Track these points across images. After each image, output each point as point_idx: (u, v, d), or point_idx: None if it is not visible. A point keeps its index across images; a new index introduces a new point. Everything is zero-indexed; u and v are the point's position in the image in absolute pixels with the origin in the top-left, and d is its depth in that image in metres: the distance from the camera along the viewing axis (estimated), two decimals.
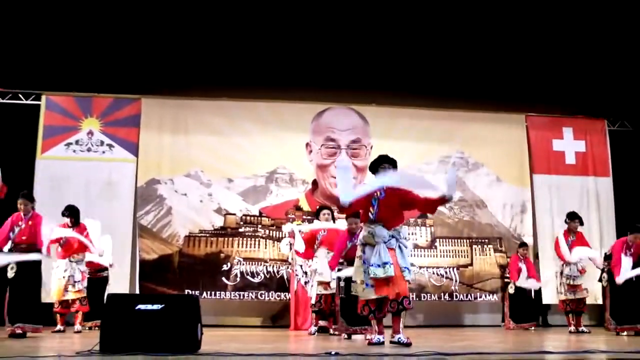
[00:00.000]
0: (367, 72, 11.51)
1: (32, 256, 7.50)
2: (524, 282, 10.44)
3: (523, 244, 10.92)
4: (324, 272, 8.29)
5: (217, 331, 8.40)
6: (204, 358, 4.32)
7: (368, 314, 6.03)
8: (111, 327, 4.73)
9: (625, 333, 8.33)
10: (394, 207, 6.05)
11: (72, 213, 8.82)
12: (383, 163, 6.15)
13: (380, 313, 5.99)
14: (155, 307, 4.75)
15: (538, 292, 10.85)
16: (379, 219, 6.00)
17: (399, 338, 5.82)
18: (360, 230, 7.36)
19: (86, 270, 9.05)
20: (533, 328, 10.27)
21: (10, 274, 7.40)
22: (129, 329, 4.66)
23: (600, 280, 9.29)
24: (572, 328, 9.23)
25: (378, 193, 6.01)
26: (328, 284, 8.28)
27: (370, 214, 6.03)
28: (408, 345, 5.70)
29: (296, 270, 9.96)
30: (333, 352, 4.70)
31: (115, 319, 4.76)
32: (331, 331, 8.48)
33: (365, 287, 5.93)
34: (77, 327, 8.85)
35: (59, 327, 8.74)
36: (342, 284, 7.55)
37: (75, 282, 8.80)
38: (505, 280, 11.03)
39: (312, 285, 8.72)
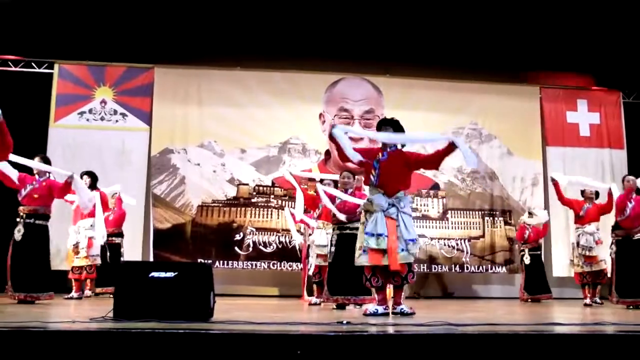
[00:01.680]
0: (381, 42, 11.44)
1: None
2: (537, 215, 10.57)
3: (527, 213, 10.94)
4: (322, 243, 8.07)
5: (229, 300, 8.45)
6: (217, 325, 4.34)
7: (364, 282, 5.90)
8: (125, 294, 4.76)
9: (631, 307, 8.25)
10: (396, 170, 5.76)
11: (90, 175, 8.89)
12: (384, 125, 5.88)
13: (378, 282, 5.81)
14: (169, 274, 4.76)
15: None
16: (380, 183, 5.74)
17: (402, 309, 5.71)
18: (354, 189, 7.40)
19: (95, 236, 8.85)
20: (548, 300, 10.23)
21: (18, 236, 6.91)
22: (143, 296, 4.67)
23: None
24: (588, 300, 9.13)
25: (380, 155, 5.79)
26: (326, 256, 7.99)
27: (372, 176, 5.78)
28: (411, 314, 5.62)
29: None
30: (345, 322, 4.72)
31: (128, 286, 4.79)
32: (314, 300, 8.34)
33: (361, 254, 5.75)
34: (87, 292, 8.89)
35: (73, 293, 8.74)
36: (333, 249, 7.32)
37: (81, 248, 8.77)
38: (521, 253, 11.00)
39: (311, 257, 8.50)
